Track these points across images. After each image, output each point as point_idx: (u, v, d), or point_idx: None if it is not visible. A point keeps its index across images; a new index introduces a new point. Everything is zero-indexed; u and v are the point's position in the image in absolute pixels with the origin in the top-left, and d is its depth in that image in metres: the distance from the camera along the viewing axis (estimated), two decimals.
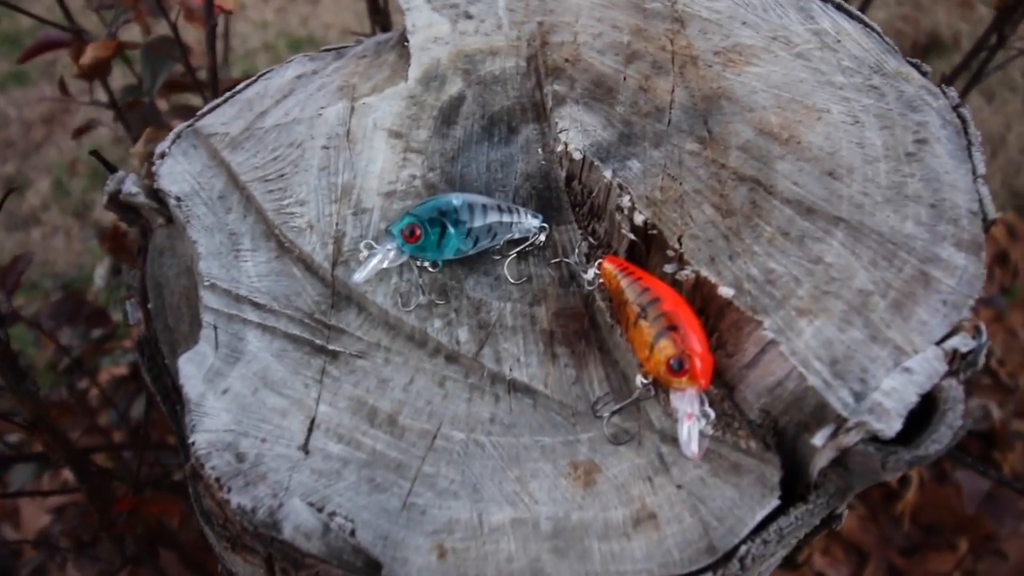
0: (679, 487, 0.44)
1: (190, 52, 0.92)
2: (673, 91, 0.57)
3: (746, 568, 0.42)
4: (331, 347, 0.50)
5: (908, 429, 0.41)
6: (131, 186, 0.58)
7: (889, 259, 0.47)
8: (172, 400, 0.58)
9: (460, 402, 0.47)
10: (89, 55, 0.86)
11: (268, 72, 0.68)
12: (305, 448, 0.46)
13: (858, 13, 0.61)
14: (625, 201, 0.50)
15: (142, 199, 0.58)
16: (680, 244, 0.48)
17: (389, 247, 0.50)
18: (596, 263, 0.49)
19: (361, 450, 0.46)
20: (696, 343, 0.44)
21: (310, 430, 0.47)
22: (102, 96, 0.99)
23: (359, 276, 0.50)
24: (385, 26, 0.99)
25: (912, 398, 0.41)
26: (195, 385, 0.49)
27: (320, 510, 0.43)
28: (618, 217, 0.50)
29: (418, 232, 0.49)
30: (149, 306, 0.60)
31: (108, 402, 1.18)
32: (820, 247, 0.48)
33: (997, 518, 1.21)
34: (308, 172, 0.57)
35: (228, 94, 0.67)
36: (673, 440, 0.45)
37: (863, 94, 0.56)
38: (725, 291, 0.45)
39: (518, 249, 0.52)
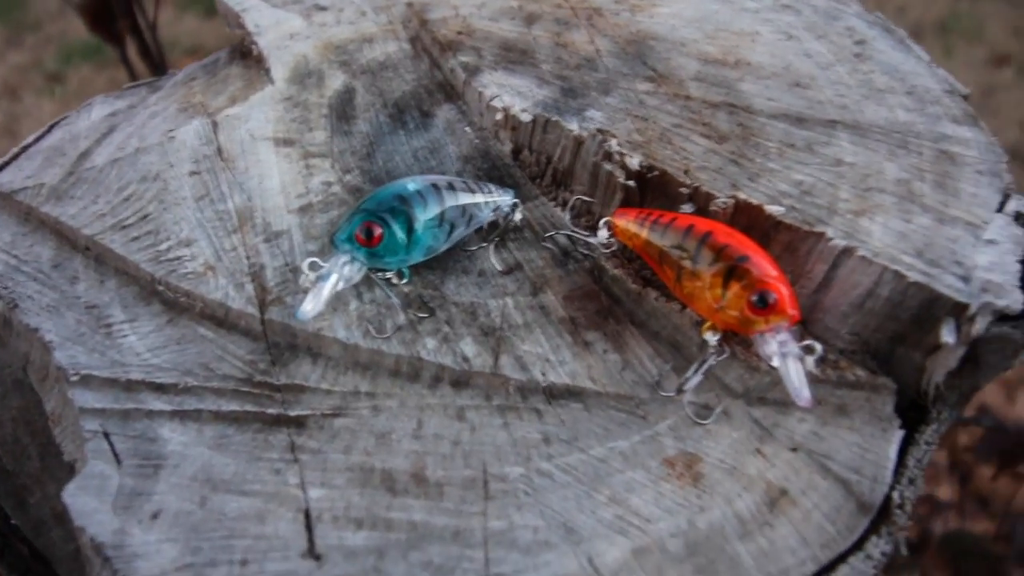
0: (794, 450, 0.36)
1: None
2: (593, 41, 0.51)
3: (907, 514, 0.34)
4: (291, 413, 0.36)
5: None
6: None
7: (904, 147, 0.43)
8: (37, 572, 0.39)
9: (495, 431, 0.35)
10: None
11: (63, 119, 0.52)
12: (313, 553, 0.31)
13: None
14: (614, 145, 0.41)
15: None
16: (689, 178, 0.41)
17: (343, 260, 0.37)
18: (604, 222, 0.40)
19: (394, 529, 0.32)
20: (771, 268, 0.36)
21: (309, 527, 0.32)
22: None
23: (309, 308, 0.36)
24: (160, 68, 0.83)
25: (1015, 266, 0.36)
26: (102, 521, 0.32)
27: None
28: (607, 167, 0.42)
29: (378, 231, 0.37)
30: None
31: None
32: (833, 150, 0.42)
33: None
34: (182, 205, 0.42)
35: (16, 150, 0.50)
36: (761, 400, 0.37)
37: (780, 13, 0.53)
38: (774, 209, 0.38)
39: (496, 234, 0.42)
